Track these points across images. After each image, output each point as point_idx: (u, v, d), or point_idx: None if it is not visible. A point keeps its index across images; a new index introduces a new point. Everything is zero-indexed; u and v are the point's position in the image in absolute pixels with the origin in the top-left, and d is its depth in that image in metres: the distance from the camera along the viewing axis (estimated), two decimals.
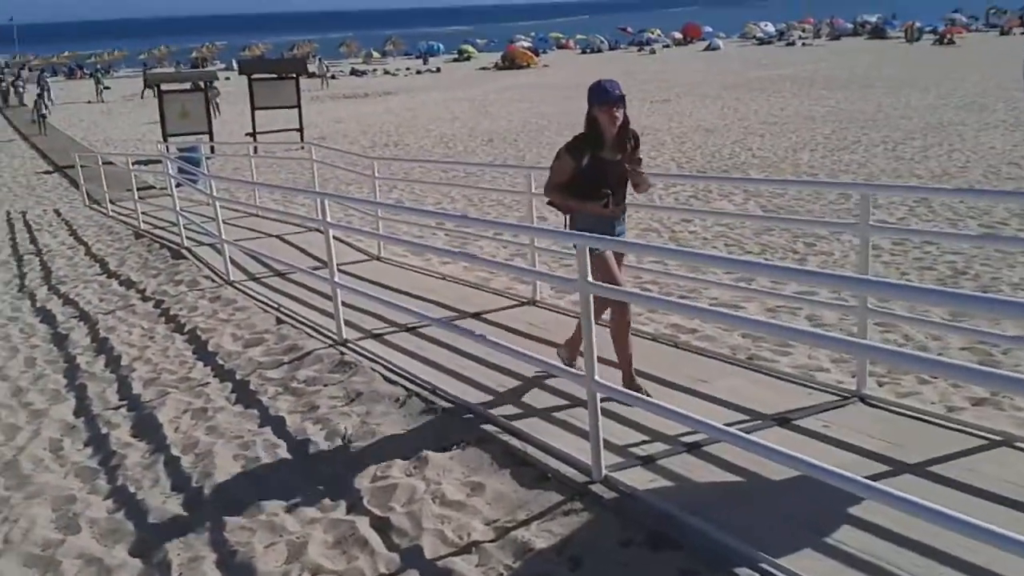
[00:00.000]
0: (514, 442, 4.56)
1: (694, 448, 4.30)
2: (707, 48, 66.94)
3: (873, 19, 77.85)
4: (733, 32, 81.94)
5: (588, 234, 4.53)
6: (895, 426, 4.51)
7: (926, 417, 4.58)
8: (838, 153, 18.04)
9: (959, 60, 42.59)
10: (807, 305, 7.18)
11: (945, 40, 56.81)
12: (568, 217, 5.16)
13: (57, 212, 16.57)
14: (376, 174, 10.62)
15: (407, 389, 5.43)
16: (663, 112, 28.52)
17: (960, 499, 3.67)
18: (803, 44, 65.36)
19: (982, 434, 4.32)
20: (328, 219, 6.59)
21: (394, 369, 5.83)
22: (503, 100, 36.57)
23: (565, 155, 4.97)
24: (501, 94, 39.89)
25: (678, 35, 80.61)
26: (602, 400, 4.06)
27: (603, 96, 4.90)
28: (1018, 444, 4.23)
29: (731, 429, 3.66)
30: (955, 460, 4.09)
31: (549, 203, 5.28)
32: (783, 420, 4.65)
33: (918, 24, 63.59)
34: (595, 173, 4.91)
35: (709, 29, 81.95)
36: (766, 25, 78.39)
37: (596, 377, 4.01)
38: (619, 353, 5.04)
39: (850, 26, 76.68)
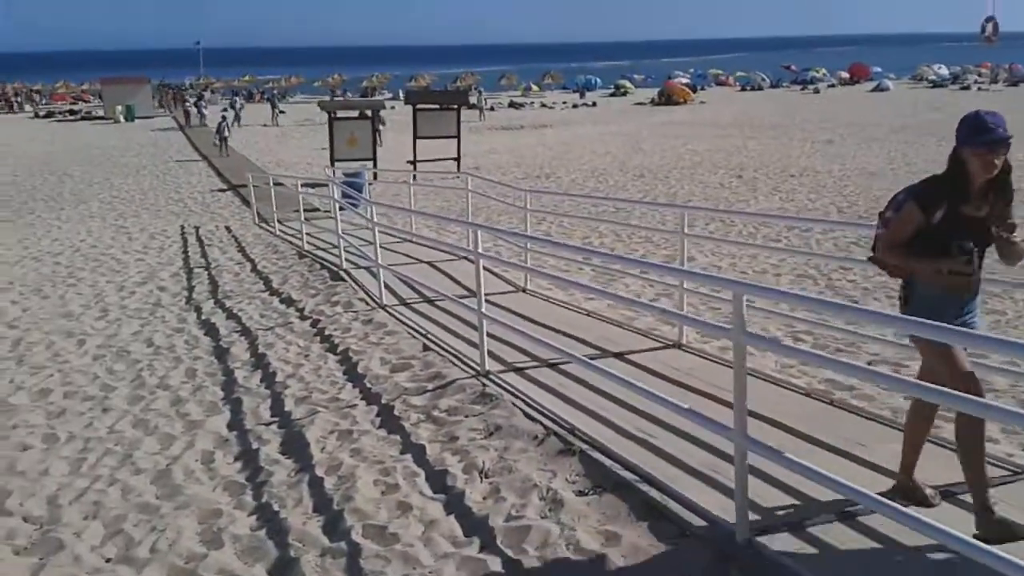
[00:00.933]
0: (653, 493, 4.42)
1: (847, 517, 4.03)
2: (875, 89, 64.40)
3: None
4: (904, 73, 78.54)
5: (934, 323, 3.32)
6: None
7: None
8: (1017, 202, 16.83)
9: None
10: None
11: None
12: (904, 287, 4.10)
13: (228, 229, 17.62)
14: (527, 206, 10.71)
15: (545, 427, 5.38)
16: (825, 153, 27.57)
17: None
18: (979, 89, 61.83)
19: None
20: (479, 249, 6.67)
21: (534, 405, 5.80)
22: (656, 136, 36.34)
23: (912, 205, 3.90)
24: (655, 130, 39.66)
25: (844, 74, 77.98)
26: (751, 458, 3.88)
27: (980, 135, 3.80)
28: None
29: (887, 500, 3.41)
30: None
31: (874, 260, 4.24)
32: (947, 493, 4.30)
33: None
34: (951, 232, 3.84)
35: (878, 69, 78.95)
36: (939, 67, 74.81)
37: (747, 432, 3.84)
38: (966, 464, 3.96)
39: None
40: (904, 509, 3.35)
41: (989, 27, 65.30)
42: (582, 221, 15.64)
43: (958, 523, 3.95)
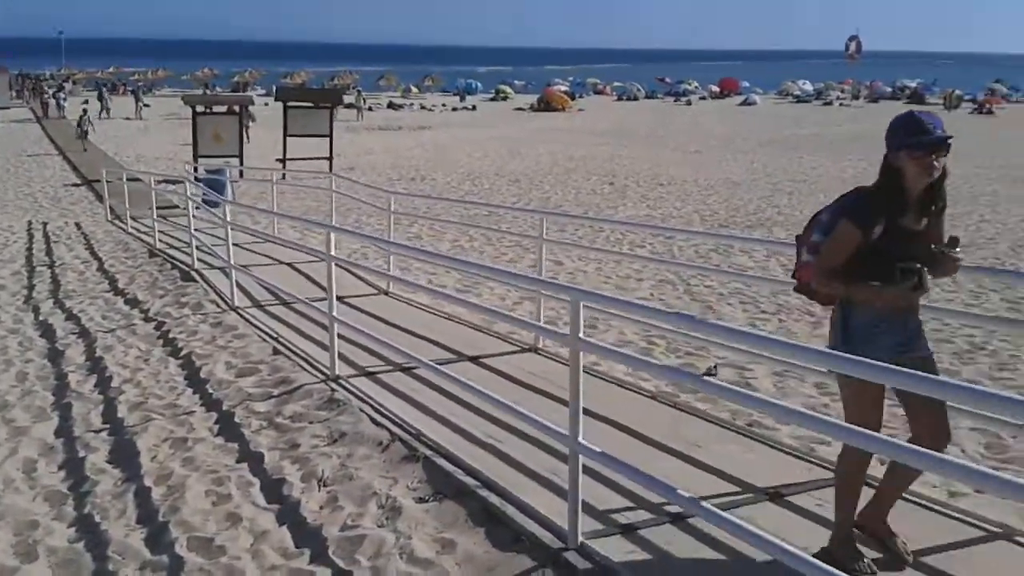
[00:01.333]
0: (493, 499, 4.36)
1: (679, 519, 4.08)
2: (743, 103, 67.09)
3: (913, 84, 77.89)
4: (771, 88, 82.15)
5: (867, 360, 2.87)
6: (895, 510, 4.26)
7: (926, 503, 4.33)
8: None
9: (997, 130, 42.28)
10: (814, 374, 6.93)
11: (984, 110, 56.55)
12: (841, 310, 3.61)
13: (78, 225, 16.68)
14: (392, 208, 10.54)
15: (392, 433, 5.25)
16: (692, 163, 28.46)
17: None
18: (840, 104, 65.33)
19: (982, 524, 4.06)
20: (332, 251, 6.48)
21: (382, 410, 5.66)
22: (534, 141, 36.70)
23: (846, 224, 3.46)
24: (533, 135, 40.07)
25: (715, 88, 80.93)
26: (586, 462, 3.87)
27: (918, 136, 3.42)
28: (1018, 539, 3.97)
29: (708, 505, 3.44)
30: (950, 551, 3.84)
31: (800, 290, 3.81)
32: (776, 495, 4.42)
33: (958, 92, 63.42)
34: (891, 248, 3.43)
35: (746, 84, 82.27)
36: (804, 84, 78.64)
37: (580, 438, 3.82)
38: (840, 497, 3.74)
39: (889, 90, 76.70)
40: (721, 513, 3.39)
41: (852, 45, 69.24)
42: (453, 225, 15.56)
43: (784, 524, 4.07)
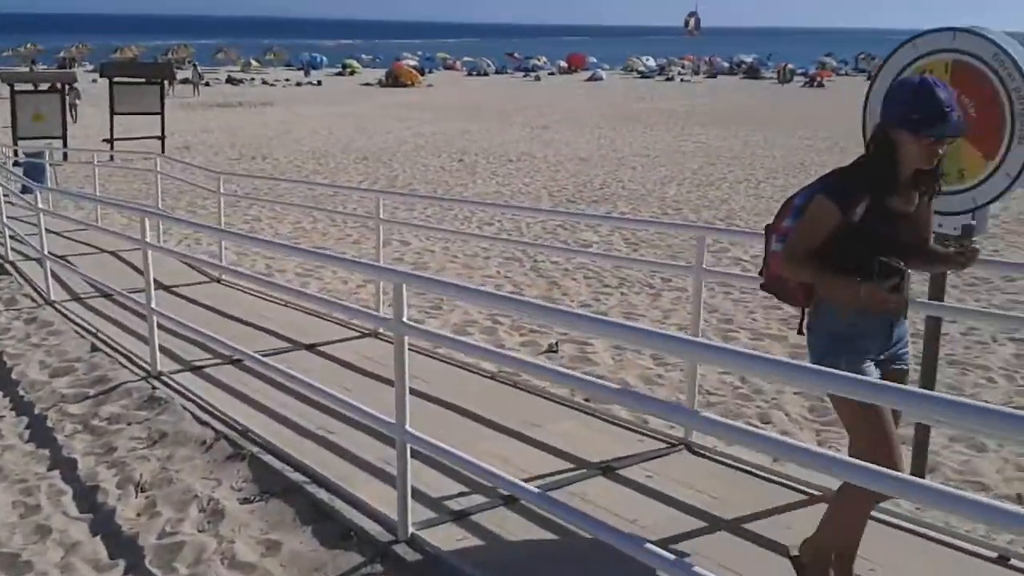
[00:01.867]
0: (322, 494, 4.21)
1: (511, 502, 4.06)
2: (590, 79, 68.33)
3: (749, 59, 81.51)
4: (617, 64, 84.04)
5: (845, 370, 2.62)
6: (718, 478, 4.40)
7: (750, 469, 4.49)
8: (703, 188, 18.49)
9: (826, 102, 44.81)
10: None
11: (815, 83, 59.83)
12: (814, 306, 3.14)
13: None
14: (223, 191, 10.07)
15: (216, 431, 5.00)
16: (541, 139, 28.74)
17: (772, 560, 3.55)
18: (682, 80, 67.58)
19: (805, 489, 4.24)
20: (147, 237, 6.09)
21: (207, 407, 5.38)
22: (383, 118, 36.12)
23: (823, 200, 2.99)
24: (382, 111, 39.43)
25: (564, 64, 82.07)
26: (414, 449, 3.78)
27: (932, 119, 2.88)
28: None
29: (530, 486, 3.44)
30: (774, 516, 3.99)
31: (768, 286, 3.30)
32: (607, 469, 4.48)
33: (790, 66, 66.80)
34: (876, 231, 2.97)
35: (594, 60, 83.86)
36: (647, 60, 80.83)
37: (407, 426, 3.73)
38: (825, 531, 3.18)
39: (727, 65, 79.98)
40: (549, 495, 3.39)
41: (692, 22, 71.67)
42: (295, 206, 15.07)
43: (614, 497, 4.13)
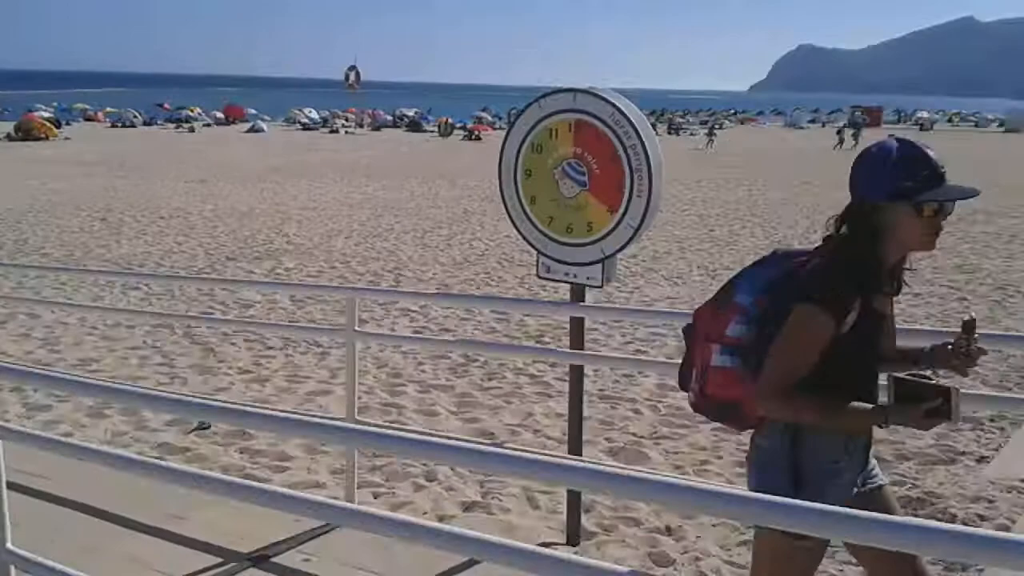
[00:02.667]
0: None
1: None
2: (251, 130, 66.54)
3: (411, 113, 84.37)
4: (278, 116, 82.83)
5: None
6: (384, 547, 4.19)
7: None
8: (371, 240, 18.52)
9: (483, 154, 47.38)
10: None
11: (473, 136, 63.15)
12: (786, 439, 2.49)
13: None
14: None
15: None
16: (198, 193, 27.23)
17: None
18: (346, 132, 68.06)
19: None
20: None
21: None
22: (11, 175, 32.21)
23: (815, 312, 2.36)
24: (10, 167, 35.18)
25: (220, 114, 79.30)
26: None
27: (930, 177, 2.36)
28: None
29: None
30: None
31: (706, 410, 2.67)
32: (261, 558, 4.09)
33: (451, 120, 70.00)
34: (867, 339, 2.45)
35: (252, 111, 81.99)
36: (310, 111, 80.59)
37: (8, 544, 3.08)
38: None
39: (390, 118, 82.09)
40: None
41: (352, 75, 72.37)
42: None
43: None
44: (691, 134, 71.20)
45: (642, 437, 6.70)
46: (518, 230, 4.63)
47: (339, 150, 50.08)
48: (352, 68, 72.43)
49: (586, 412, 7.32)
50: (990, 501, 4.80)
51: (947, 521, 4.68)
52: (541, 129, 4.42)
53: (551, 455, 4.69)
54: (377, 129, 74.78)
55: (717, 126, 69.35)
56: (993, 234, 19.29)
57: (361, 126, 75.49)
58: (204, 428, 6.68)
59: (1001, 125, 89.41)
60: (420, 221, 21.60)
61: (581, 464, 2.37)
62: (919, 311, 11.47)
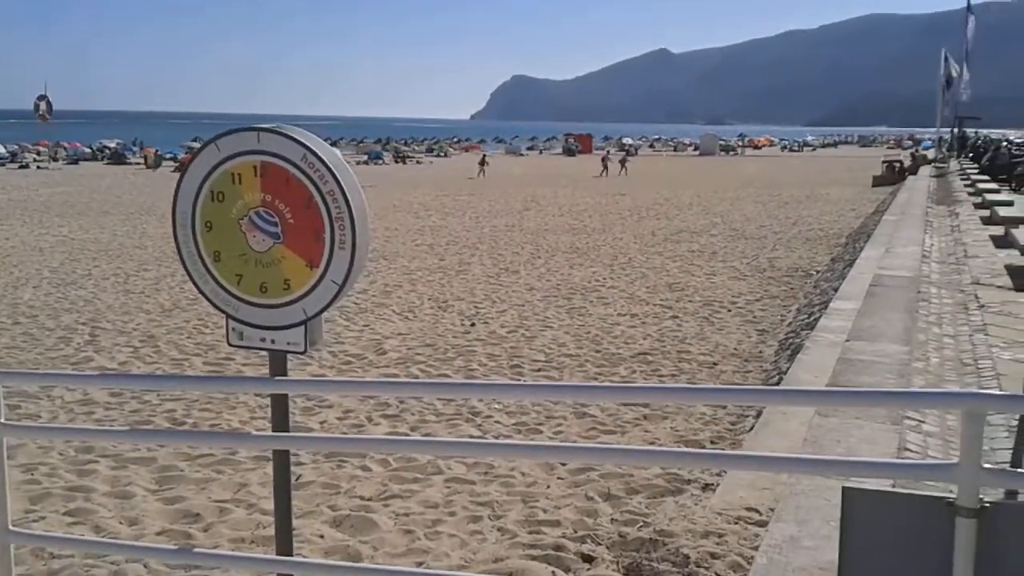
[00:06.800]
0: None
1: None
2: None
3: (112, 144, 78.14)
4: None
5: None
6: None
7: None
8: (64, 288, 16.49)
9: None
10: None
11: (185, 168, 59.63)
12: None
13: None
14: None
15: None
16: None
17: None
18: (38, 167, 61.62)
19: None
20: None
21: None
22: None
23: None
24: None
25: None
26: None
27: None
28: None
29: None
30: None
31: None
32: None
33: (158, 151, 65.59)
34: None
35: None
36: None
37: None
38: None
39: (89, 150, 75.47)
40: None
41: (43, 106, 65.80)
42: None
43: None
44: (417, 162, 71.98)
45: (370, 500, 6.16)
46: (202, 292, 3.93)
47: (26, 187, 45.05)
48: (42, 97, 65.95)
49: (309, 475, 6.70)
50: (720, 535, 4.78)
51: (680, 563, 4.59)
52: (221, 174, 3.78)
53: (253, 556, 4.03)
54: (74, 163, 68.41)
55: (442, 153, 70.68)
56: (696, 251, 20.91)
57: (55, 160, 68.70)
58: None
59: (696, 149, 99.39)
60: (123, 263, 19.66)
61: None
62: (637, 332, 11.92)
